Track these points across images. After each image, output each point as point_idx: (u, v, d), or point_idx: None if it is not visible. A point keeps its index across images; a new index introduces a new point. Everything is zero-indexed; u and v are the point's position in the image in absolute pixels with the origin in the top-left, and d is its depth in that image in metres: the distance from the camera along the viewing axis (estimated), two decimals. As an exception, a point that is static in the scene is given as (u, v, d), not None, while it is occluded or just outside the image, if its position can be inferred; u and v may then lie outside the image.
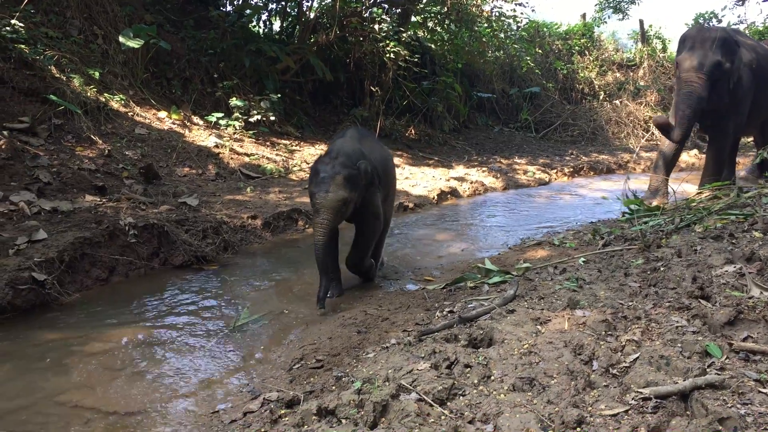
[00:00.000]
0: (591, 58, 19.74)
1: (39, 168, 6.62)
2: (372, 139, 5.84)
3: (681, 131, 8.16)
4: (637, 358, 2.86)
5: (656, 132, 16.83)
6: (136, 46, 9.54)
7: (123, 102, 9.24)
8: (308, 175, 4.98)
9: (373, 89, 13.33)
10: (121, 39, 9.54)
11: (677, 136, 8.19)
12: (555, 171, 13.07)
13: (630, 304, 3.66)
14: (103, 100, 8.81)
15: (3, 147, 6.48)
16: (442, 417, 2.61)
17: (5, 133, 6.81)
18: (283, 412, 3.07)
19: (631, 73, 19.62)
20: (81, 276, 5.42)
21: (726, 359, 2.75)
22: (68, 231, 5.61)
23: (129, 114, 9.17)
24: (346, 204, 4.80)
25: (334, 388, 3.33)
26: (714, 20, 20.74)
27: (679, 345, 2.94)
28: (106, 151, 7.72)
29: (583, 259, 5.27)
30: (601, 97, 18.88)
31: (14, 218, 5.67)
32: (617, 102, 18.47)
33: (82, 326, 4.67)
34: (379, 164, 5.34)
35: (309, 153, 11.03)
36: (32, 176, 6.46)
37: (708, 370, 2.67)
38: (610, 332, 3.24)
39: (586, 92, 19.13)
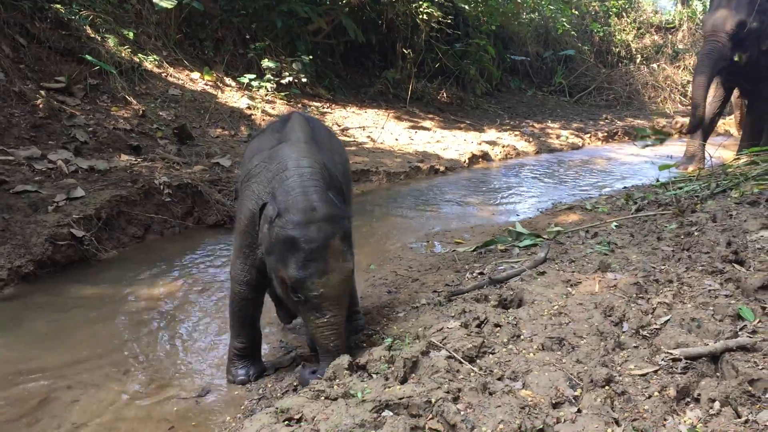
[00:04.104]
0: (628, 20, 19.27)
1: (76, 127, 6.71)
2: (322, 128, 3.83)
3: (698, 94, 8.20)
4: (668, 320, 2.87)
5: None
6: (170, 7, 9.55)
7: (156, 63, 9.31)
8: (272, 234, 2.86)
9: (405, 51, 13.20)
10: (154, -1, 9.58)
11: (696, 97, 8.23)
12: (588, 135, 12.91)
13: (662, 267, 3.64)
14: (137, 60, 8.87)
15: (41, 106, 6.58)
16: (472, 374, 2.64)
17: (42, 92, 6.91)
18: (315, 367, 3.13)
19: (670, 36, 19.13)
20: (118, 233, 5.54)
21: (759, 322, 2.74)
22: (105, 189, 5.72)
23: (162, 75, 9.23)
24: (351, 276, 3.01)
25: (364, 345, 3.39)
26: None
27: (711, 308, 2.93)
28: (141, 112, 7.80)
29: (615, 223, 5.24)
30: (637, 61, 18.47)
31: (52, 176, 5.79)
32: (654, 65, 18.07)
33: (120, 282, 4.79)
34: (342, 173, 3.49)
35: (340, 115, 11.03)
36: (69, 135, 6.56)
37: (740, 332, 2.67)
38: (641, 295, 3.24)
39: (622, 55, 18.72)
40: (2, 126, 6.13)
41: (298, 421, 2.36)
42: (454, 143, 10.67)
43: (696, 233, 4.26)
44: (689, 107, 15.95)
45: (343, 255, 2.85)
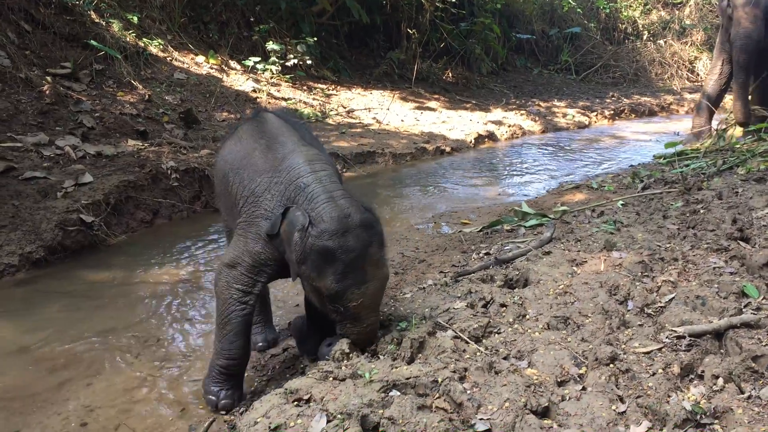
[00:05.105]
0: (635, -4, 19.07)
1: (82, 113, 6.74)
2: (299, 125, 3.50)
3: (740, 80, 7.87)
4: (673, 298, 2.89)
5: (701, 73, 16.38)
6: (173, -10, 9.54)
7: (161, 47, 9.30)
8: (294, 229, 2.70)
9: (409, 31, 13.13)
10: (157, -17, 9.56)
11: (739, 81, 7.91)
12: (595, 114, 12.84)
13: (667, 245, 3.66)
14: (142, 44, 8.88)
15: (47, 93, 6.61)
16: (478, 353, 2.68)
17: (48, 78, 6.94)
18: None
19: (677, 12, 18.91)
20: (126, 218, 5.58)
21: (763, 299, 2.76)
22: (113, 174, 5.76)
23: (167, 59, 9.23)
24: None
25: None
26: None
27: (716, 286, 2.95)
28: (147, 96, 7.82)
29: (621, 202, 5.25)
30: (644, 37, 18.29)
31: (61, 162, 5.82)
32: (661, 42, 17.89)
33: (130, 267, 4.84)
34: None
35: (346, 97, 11.01)
36: (76, 121, 6.59)
37: (744, 310, 2.69)
38: (646, 273, 3.26)
39: (629, 32, 18.54)
40: (9, 113, 6.16)
41: (307, 401, 2.40)
42: (459, 123, 10.65)
43: (702, 211, 4.27)
44: (696, 84, 15.88)
45: (380, 262, 2.75)
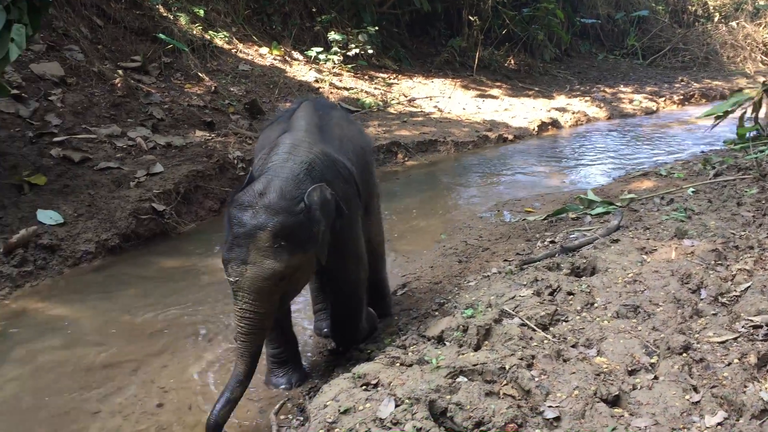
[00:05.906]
0: (706, -23, 18.43)
1: (152, 105, 6.95)
2: (337, 114, 3.54)
3: None
4: (749, 287, 2.80)
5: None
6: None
7: (227, 39, 9.49)
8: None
9: (471, 18, 13.02)
10: (222, -24, 9.73)
11: None
12: (663, 99, 12.49)
13: (742, 233, 3.55)
14: (208, 37, 9.07)
15: (119, 85, 6.82)
16: (545, 341, 2.66)
17: (120, 72, 7.16)
18: (391, 329, 3.21)
19: (751, -9, 18.21)
20: (195, 207, 5.74)
21: None
22: (182, 164, 5.92)
23: (232, 51, 9.41)
24: (283, 278, 2.66)
25: (437, 313, 3.44)
26: None
27: (795, 274, 2.85)
28: (213, 88, 8.00)
29: (692, 189, 5.10)
30: (715, 19, 17.66)
31: (133, 153, 6.02)
32: (733, 24, 17.24)
33: (201, 253, 4.99)
34: (356, 161, 3.29)
35: (407, 86, 11.01)
36: (146, 113, 6.79)
37: (825, 299, 2.59)
38: (719, 261, 3.17)
39: (699, 14, 17.93)
40: (84, 105, 6.38)
41: (375, 386, 2.43)
42: (522, 111, 10.52)
43: (779, 198, 4.13)
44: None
45: (269, 252, 2.58)
